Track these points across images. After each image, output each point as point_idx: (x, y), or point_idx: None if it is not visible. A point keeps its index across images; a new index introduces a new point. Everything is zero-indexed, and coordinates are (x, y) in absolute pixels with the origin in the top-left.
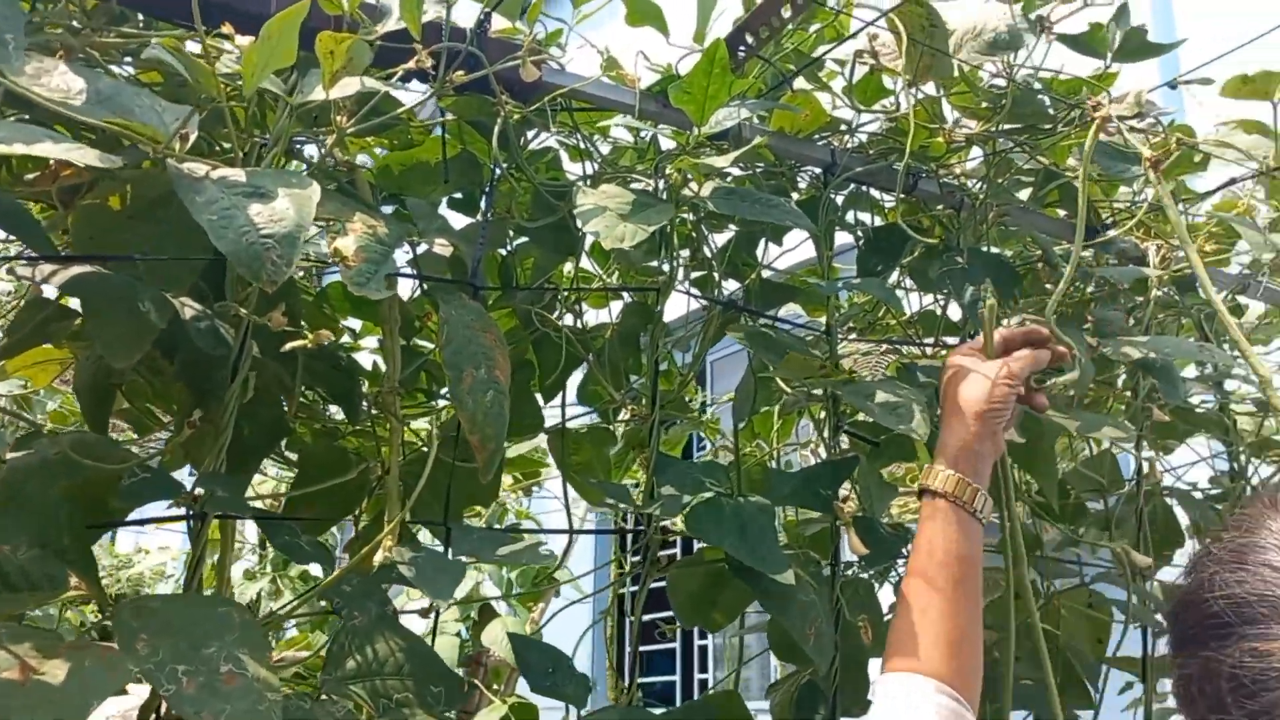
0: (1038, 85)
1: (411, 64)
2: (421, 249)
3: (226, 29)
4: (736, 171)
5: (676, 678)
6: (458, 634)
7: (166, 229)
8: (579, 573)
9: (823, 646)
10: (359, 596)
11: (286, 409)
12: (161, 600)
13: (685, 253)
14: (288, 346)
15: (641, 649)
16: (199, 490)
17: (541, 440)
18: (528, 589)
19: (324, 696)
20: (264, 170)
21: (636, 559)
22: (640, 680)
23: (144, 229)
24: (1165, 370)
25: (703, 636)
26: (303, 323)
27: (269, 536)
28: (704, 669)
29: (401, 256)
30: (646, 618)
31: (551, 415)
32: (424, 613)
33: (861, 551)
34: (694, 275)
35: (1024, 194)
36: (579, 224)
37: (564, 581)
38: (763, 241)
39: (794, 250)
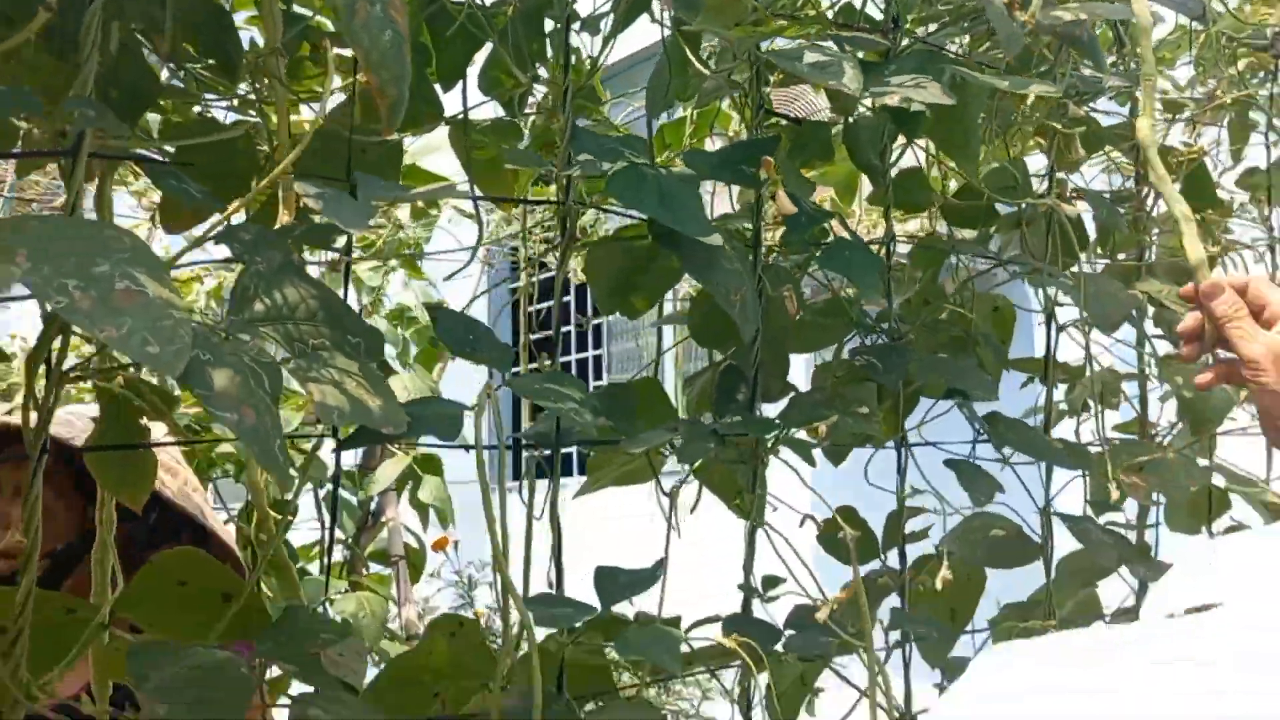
0: None
1: None
2: None
3: None
4: None
5: None
6: None
7: None
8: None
9: (748, 313)
10: (260, 244)
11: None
12: (39, 220)
13: None
14: None
15: None
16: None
17: (442, 134)
18: (423, 348)
19: (231, 338)
20: None
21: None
22: None
23: None
24: (1091, 45)
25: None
26: None
27: (155, 181)
28: None
29: None
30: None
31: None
32: (333, 265)
33: (789, 210)
34: None
35: None
36: None
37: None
38: None
39: None
